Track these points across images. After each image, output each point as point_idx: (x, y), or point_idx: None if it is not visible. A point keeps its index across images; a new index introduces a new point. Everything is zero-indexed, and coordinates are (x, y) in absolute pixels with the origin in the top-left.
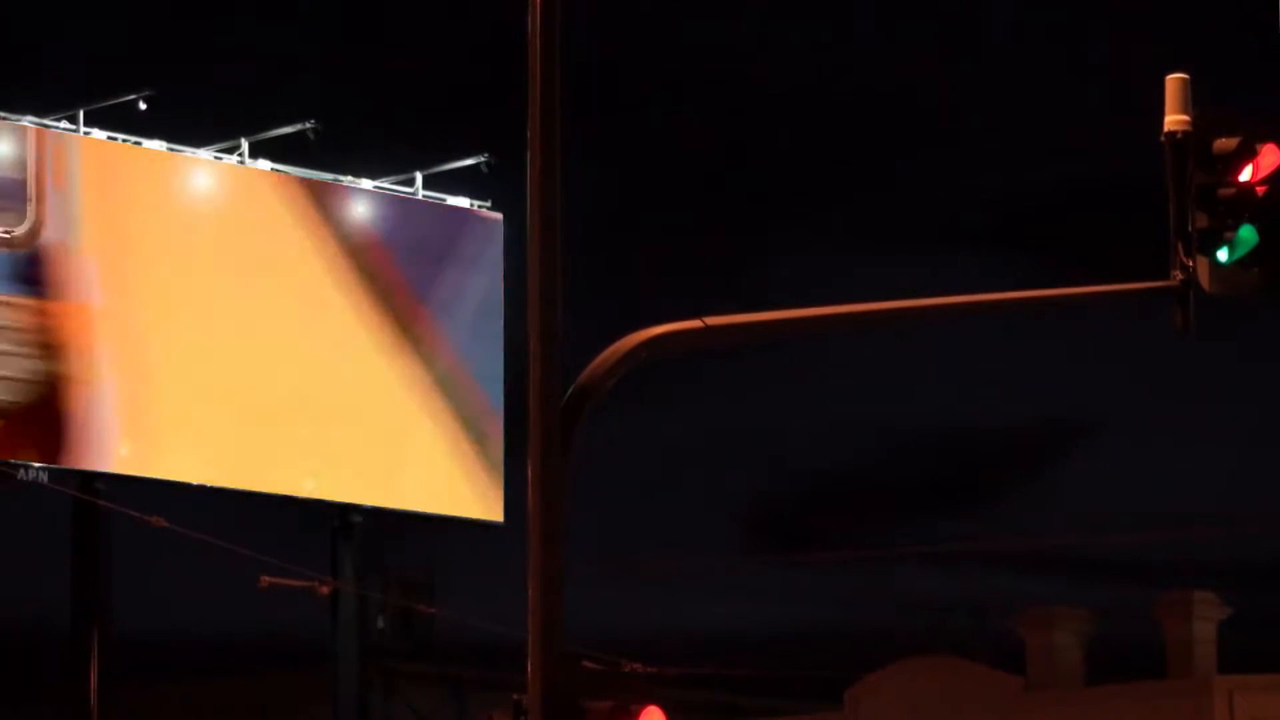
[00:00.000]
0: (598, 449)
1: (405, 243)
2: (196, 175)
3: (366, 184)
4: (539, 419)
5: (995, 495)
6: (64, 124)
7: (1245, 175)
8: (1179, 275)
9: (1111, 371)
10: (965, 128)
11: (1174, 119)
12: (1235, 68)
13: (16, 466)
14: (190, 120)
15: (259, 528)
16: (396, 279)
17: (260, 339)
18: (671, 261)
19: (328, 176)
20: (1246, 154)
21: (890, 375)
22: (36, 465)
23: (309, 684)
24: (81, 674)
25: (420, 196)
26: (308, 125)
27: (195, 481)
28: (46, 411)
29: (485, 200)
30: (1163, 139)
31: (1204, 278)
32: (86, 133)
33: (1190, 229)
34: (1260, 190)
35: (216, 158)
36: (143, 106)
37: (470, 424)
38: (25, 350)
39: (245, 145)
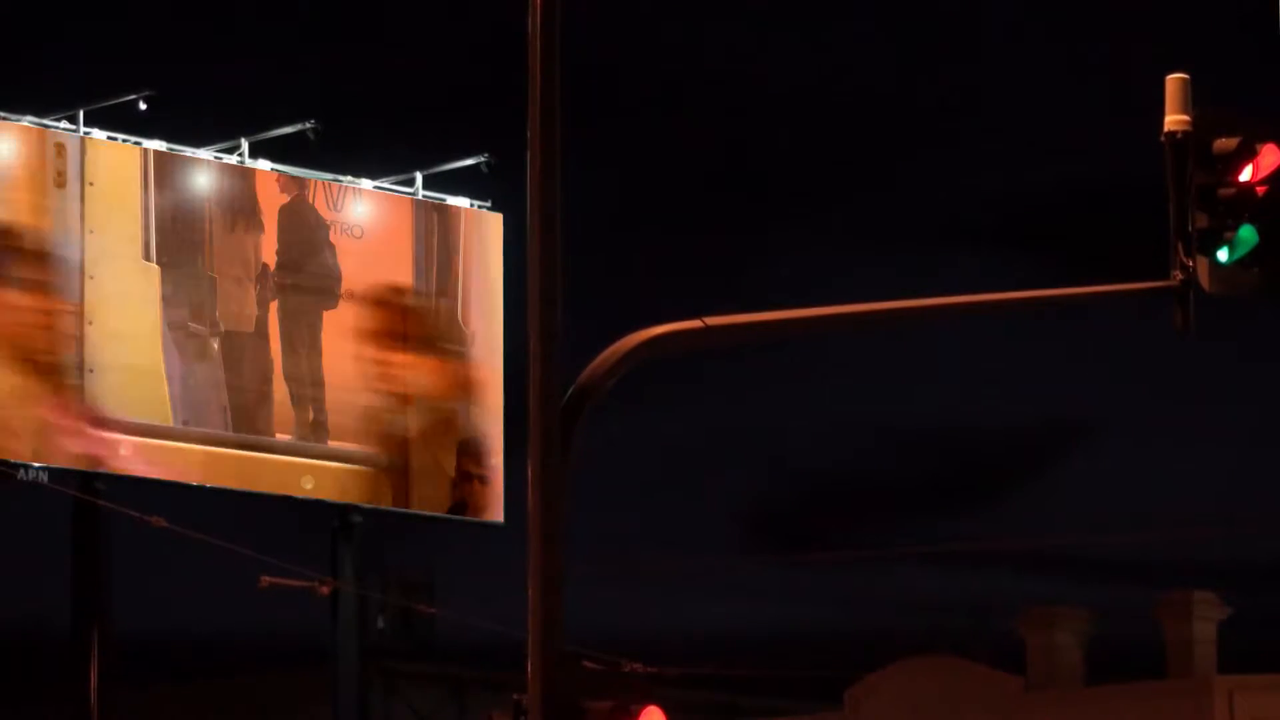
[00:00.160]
0: (598, 449)
1: (405, 243)
2: (197, 175)
3: (366, 184)
4: (539, 419)
5: (995, 495)
6: (64, 124)
7: (1245, 175)
8: (1179, 275)
9: (1111, 371)
10: (965, 128)
11: (1174, 119)
12: (1235, 68)
13: (16, 466)
14: (190, 120)
15: (259, 528)
16: (396, 279)
17: (260, 339)
18: (671, 261)
19: (328, 176)
20: (1246, 154)
21: (890, 375)
22: (36, 465)
23: (309, 684)
24: (81, 674)
25: (420, 196)
26: (308, 125)
27: (195, 481)
28: (46, 411)
29: (485, 200)
30: (1163, 139)
31: (1204, 278)
32: (86, 133)
33: (1190, 229)
34: (1260, 190)
35: (216, 158)
36: (143, 106)
37: (470, 423)
38: (25, 349)
39: (245, 145)
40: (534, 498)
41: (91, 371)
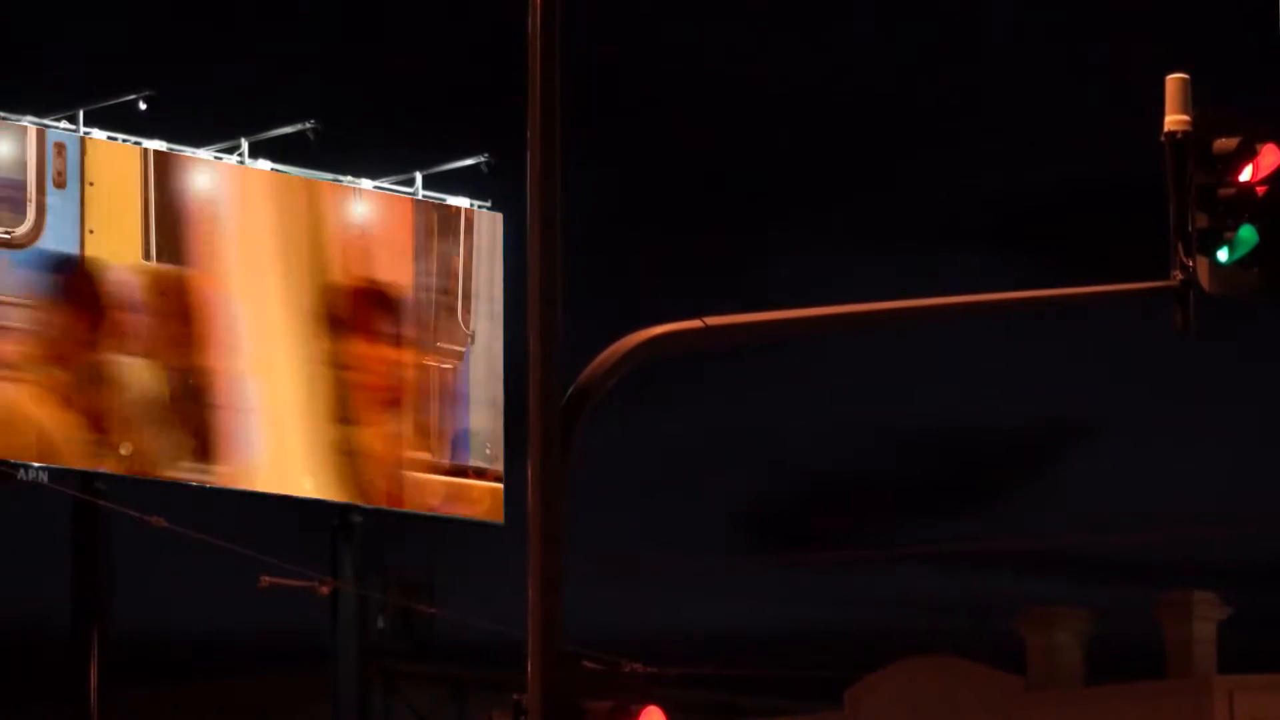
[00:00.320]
0: (598, 449)
1: (405, 243)
2: (196, 175)
3: (366, 184)
4: (539, 419)
5: (995, 495)
6: (64, 124)
7: (1245, 175)
8: (1179, 275)
9: (1112, 371)
10: (965, 128)
11: (1174, 119)
12: (1235, 68)
13: (16, 466)
14: (190, 120)
15: (259, 528)
16: (396, 279)
17: (259, 337)
18: (671, 261)
19: (328, 176)
20: (1246, 154)
21: (890, 375)
22: (36, 465)
23: (309, 684)
24: (81, 674)
25: (420, 196)
26: (308, 125)
27: (195, 481)
28: (46, 410)
29: (485, 200)
30: (1163, 139)
31: (1204, 278)
32: (86, 133)
33: (1190, 229)
34: (1260, 190)
35: (216, 158)
36: (143, 106)
37: (470, 423)
38: (26, 349)
39: (245, 145)
40: (534, 498)
41: (92, 371)
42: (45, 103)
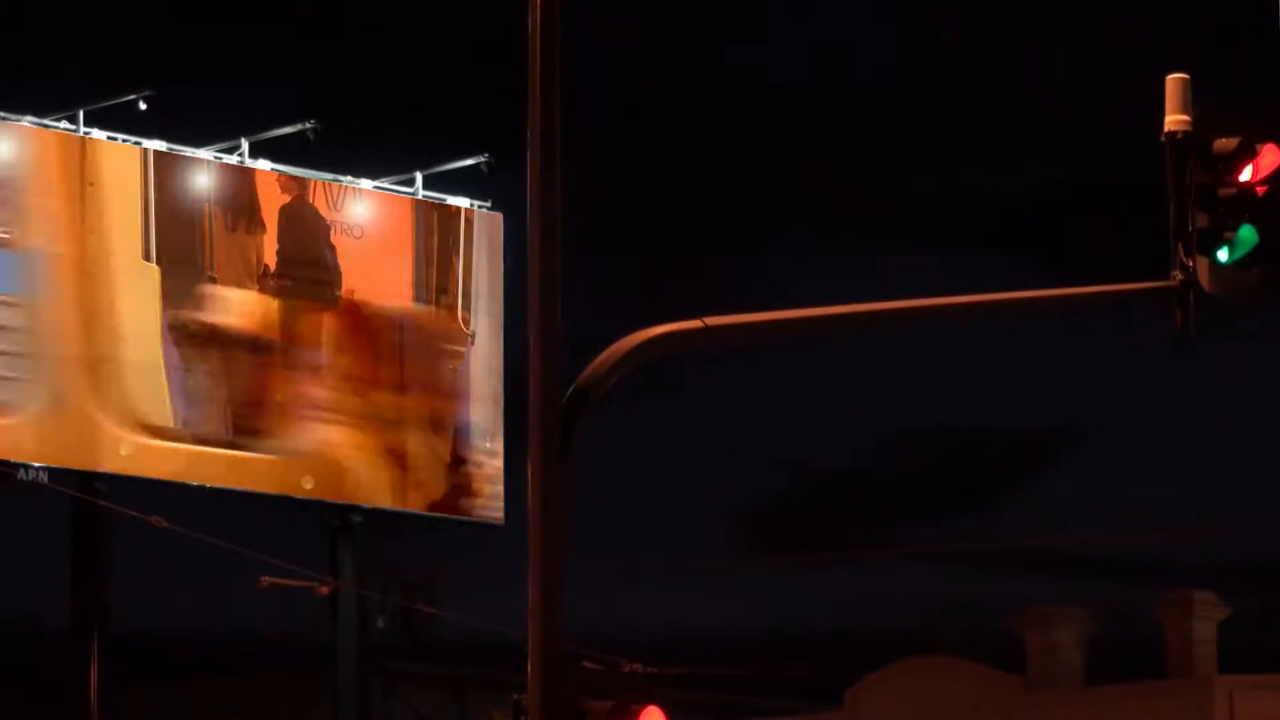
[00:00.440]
0: (598, 449)
1: (405, 243)
2: (197, 175)
3: (366, 184)
4: (539, 419)
5: (995, 495)
6: (64, 124)
7: (1245, 175)
8: (1179, 275)
9: (1112, 371)
10: (965, 128)
11: (1174, 119)
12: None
13: (16, 466)
14: (190, 120)
15: (259, 528)
16: (396, 279)
17: (260, 339)
18: (671, 261)
19: (328, 176)
20: (1246, 154)
21: (890, 375)
22: (36, 465)
23: (309, 684)
24: (81, 674)
25: (420, 196)
26: (308, 125)
27: (195, 481)
28: (46, 410)
29: (485, 200)
30: (1163, 139)
31: (1204, 278)
32: (86, 133)
33: (1190, 229)
34: (1260, 190)
35: (216, 158)
36: (143, 106)
37: (470, 423)
38: (25, 350)
39: (245, 145)
40: (534, 498)
41: (92, 371)
42: (45, 103)
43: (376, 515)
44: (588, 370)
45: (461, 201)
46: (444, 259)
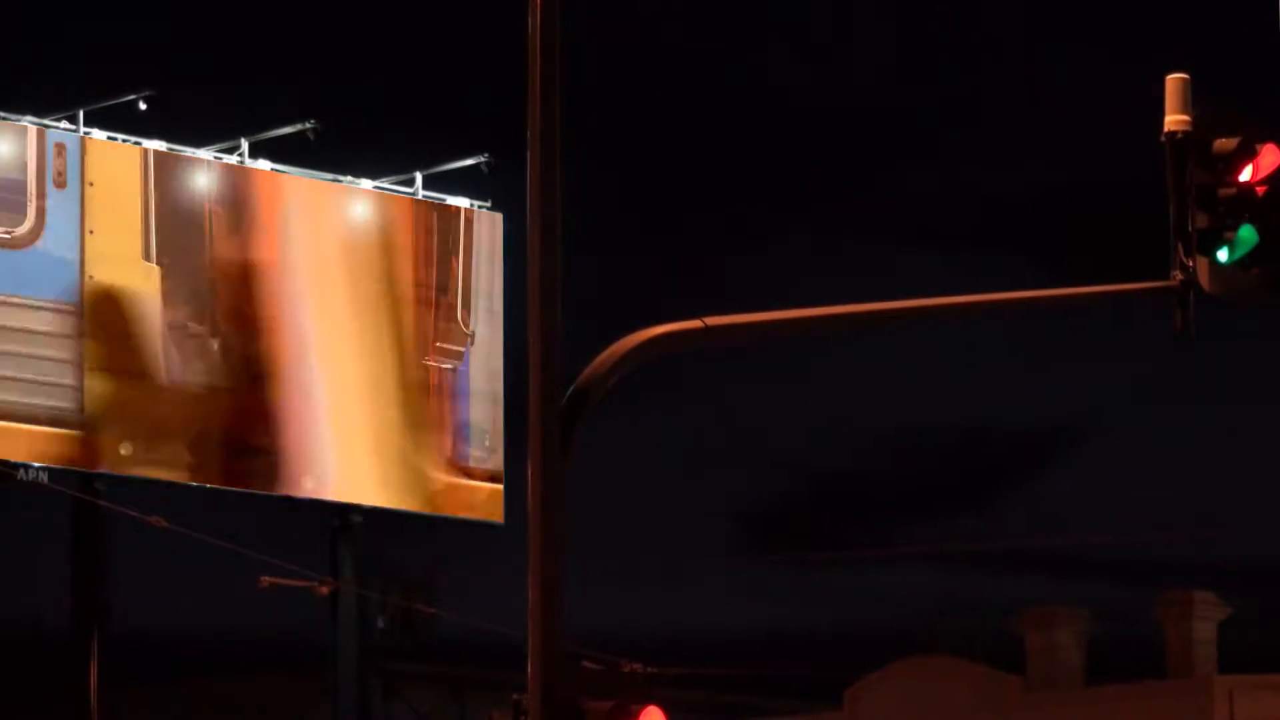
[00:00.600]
0: (598, 449)
1: (405, 243)
2: (197, 175)
3: (366, 184)
4: (539, 419)
5: (995, 495)
6: (64, 124)
7: (1245, 175)
8: (1179, 275)
9: (1112, 371)
10: (965, 128)
11: (1174, 119)
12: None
13: (16, 466)
14: (190, 120)
15: (259, 528)
16: (396, 279)
17: (260, 339)
18: (671, 261)
19: (328, 176)
20: (1246, 154)
21: (890, 375)
22: (36, 465)
23: (309, 684)
24: (81, 674)
25: (420, 196)
26: (308, 125)
27: (195, 482)
28: (47, 411)
29: (485, 200)
30: (1163, 139)
31: (1204, 278)
32: (86, 133)
33: (1190, 229)
34: (1260, 190)
35: (216, 158)
36: (143, 106)
37: (470, 423)
38: (25, 350)
39: (245, 145)
40: (534, 498)
41: (92, 371)
42: (45, 103)
43: (376, 515)
44: (588, 370)
45: (461, 201)
46: (444, 259)
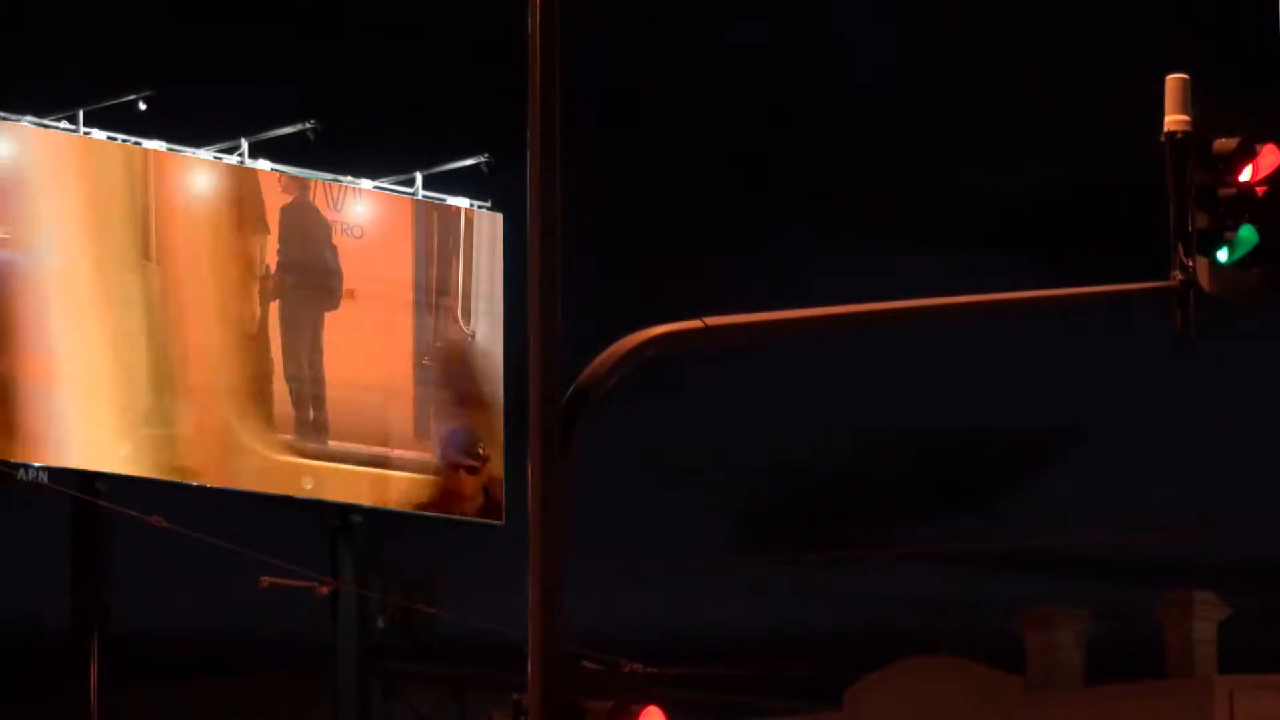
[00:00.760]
0: (598, 449)
1: (405, 243)
2: (197, 175)
3: (366, 184)
4: (539, 419)
5: (995, 495)
6: (64, 124)
7: (1245, 175)
8: (1179, 275)
9: (1112, 371)
10: (965, 128)
11: (1174, 119)
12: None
13: (16, 466)
14: (190, 120)
15: (259, 528)
16: (396, 279)
17: (260, 339)
18: (671, 261)
19: (328, 176)
20: (1246, 154)
21: (890, 375)
22: (36, 465)
23: (309, 684)
24: (81, 674)
25: (420, 196)
26: (308, 125)
27: (195, 482)
28: (47, 411)
29: (485, 200)
30: (1163, 139)
31: (1204, 278)
32: (86, 133)
33: (1190, 229)
34: (1260, 190)
35: (216, 158)
36: (143, 106)
37: (470, 423)
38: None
39: (245, 145)
40: (534, 498)
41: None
42: (45, 103)
43: (376, 515)
44: (588, 370)
45: (461, 201)
46: (444, 259)
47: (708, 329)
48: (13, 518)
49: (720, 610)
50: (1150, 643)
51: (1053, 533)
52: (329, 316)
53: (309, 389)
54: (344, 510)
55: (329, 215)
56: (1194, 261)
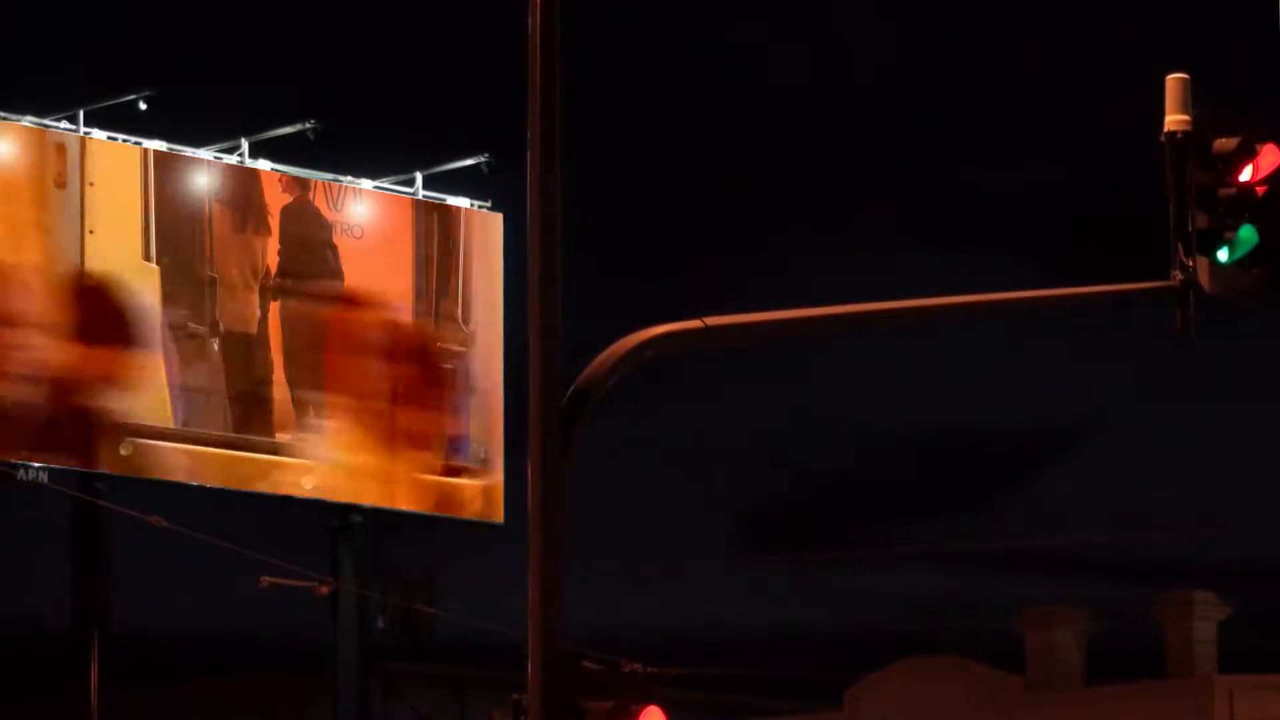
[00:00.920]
0: (598, 449)
1: (405, 243)
2: (197, 175)
3: (366, 184)
4: (539, 419)
5: (995, 495)
6: (64, 124)
7: (1245, 175)
8: (1179, 275)
9: (1112, 372)
10: (965, 128)
11: (1174, 119)
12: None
13: (16, 466)
14: (190, 120)
15: (259, 528)
16: (396, 279)
17: (260, 339)
18: (671, 261)
19: (328, 176)
20: (1246, 154)
21: (890, 375)
22: (36, 465)
23: (309, 684)
24: (81, 674)
25: (420, 196)
26: (308, 125)
27: (195, 482)
28: (48, 411)
29: (485, 200)
30: (1163, 139)
31: (1204, 278)
32: (86, 133)
33: (1190, 229)
34: (1260, 190)
35: (216, 158)
36: (143, 106)
37: (470, 423)
38: (25, 350)
39: (245, 145)
40: (534, 498)
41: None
42: (45, 103)
43: (376, 515)
44: (588, 370)
45: (461, 201)
46: (444, 259)
47: (708, 329)
48: (13, 518)
49: (720, 610)
50: (1150, 643)
51: (1053, 533)
52: (329, 316)
53: (308, 390)
54: (344, 510)
55: (329, 215)
56: (1194, 261)
